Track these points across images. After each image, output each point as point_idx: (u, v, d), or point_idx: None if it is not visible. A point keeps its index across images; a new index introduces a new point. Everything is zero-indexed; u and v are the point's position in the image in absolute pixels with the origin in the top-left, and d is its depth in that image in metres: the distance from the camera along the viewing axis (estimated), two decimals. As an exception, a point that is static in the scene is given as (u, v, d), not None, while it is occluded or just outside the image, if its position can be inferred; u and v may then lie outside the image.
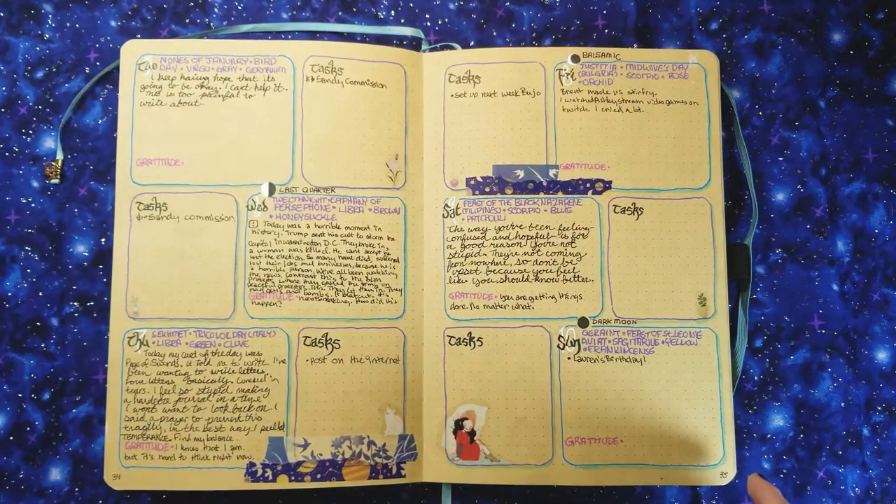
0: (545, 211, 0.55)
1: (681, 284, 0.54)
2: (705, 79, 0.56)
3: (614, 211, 0.55)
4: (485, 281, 0.55)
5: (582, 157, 0.56)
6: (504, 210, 0.55)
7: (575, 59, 0.56)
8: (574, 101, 0.56)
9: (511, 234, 0.55)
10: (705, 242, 0.55)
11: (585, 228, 0.55)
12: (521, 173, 0.55)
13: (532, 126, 0.56)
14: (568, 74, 0.56)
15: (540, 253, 0.55)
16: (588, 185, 0.55)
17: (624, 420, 0.53)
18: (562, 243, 0.55)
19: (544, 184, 0.55)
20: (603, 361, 0.54)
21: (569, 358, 0.54)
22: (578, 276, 0.54)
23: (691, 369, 0.54)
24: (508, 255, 0.55)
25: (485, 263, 0.55)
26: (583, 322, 0.54)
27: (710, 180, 0.55)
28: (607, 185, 0.55)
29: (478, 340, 0.54)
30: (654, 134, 0.56)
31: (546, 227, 0.55)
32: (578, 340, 0.54)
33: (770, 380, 0.56)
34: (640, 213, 0.55)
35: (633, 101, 0.56)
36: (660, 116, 0.56)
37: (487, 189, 0.55)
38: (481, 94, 0.56)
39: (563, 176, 0.55)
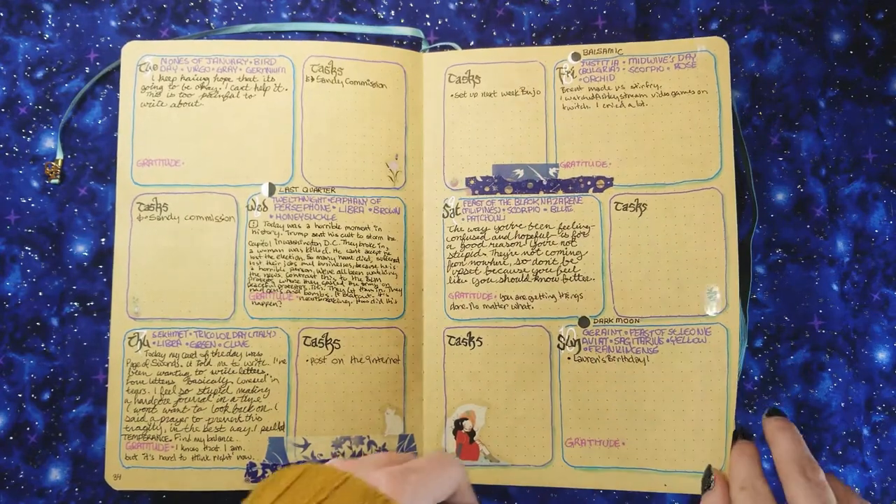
0: (545, 210, 0.55)
1: (688, 280, 0.53)
2: (715, 66, 0.55)
3: (616, 208, 0.54)
4: (484, 281, 0.55)
5: (582, 155, 0.55)
6: (503, 210, 0.55)
7: (575, 56, 0.56)
8: (574, 98, 0.56)
9: (510, 233, 0.55)
10: (716, 234, 0.53)
11: (586, 226, 0.55)
12: (520, 172, 0.55)
13: (532, 125, 0.56)
14: (568, 72, 0.56)
15: (539, 252, 0.55)
16: (588, 182, 0.55)
17: (626, 422, 0.53)
18: (562, 242, 0.55)
19: (544, 182, 0.55)
20: (604, 361, 0.53)
21: (569, 358, 0.54)
22: (579, 275, 0.54)
23: (700, 369, 0.52)
24: (508, 255, 0.55)
25: (484, 263, 0.55)
26: (583, 321, 0.54)
27: (721, 168, 0.54)
28: (609, 183, 0.55)
29: (477, 340, 0.54)
30: (659, 127, 0.55)
31: (546, 227, 0.55)
32: (579, 340, 0.54)
33: (770, 380, 0.56)
34: (643, 208, 0.54)
35: (636, 96, 0.55)
36: (665, 109, 0.55)
37: (487, 189, 0.55)
38: (481, 94, 0.56)
39: (564, 174, 0.55)
